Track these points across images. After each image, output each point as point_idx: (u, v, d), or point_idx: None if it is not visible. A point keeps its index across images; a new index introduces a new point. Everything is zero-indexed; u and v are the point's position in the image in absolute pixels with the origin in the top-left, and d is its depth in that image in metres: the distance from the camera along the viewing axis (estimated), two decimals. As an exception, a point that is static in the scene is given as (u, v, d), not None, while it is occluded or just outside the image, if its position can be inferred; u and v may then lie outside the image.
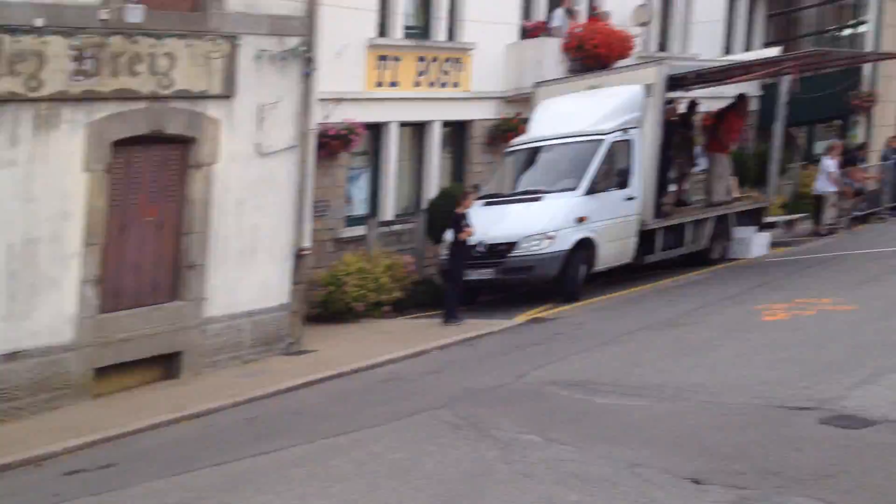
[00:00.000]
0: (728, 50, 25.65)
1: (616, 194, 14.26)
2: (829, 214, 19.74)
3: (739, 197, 18.29)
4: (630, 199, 14.45)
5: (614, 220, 14.16)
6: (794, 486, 5.40)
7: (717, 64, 18.57)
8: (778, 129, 18.02)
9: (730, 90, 18.73)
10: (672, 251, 15.61)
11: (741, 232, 17.06)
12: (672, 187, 17.79)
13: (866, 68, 24.54)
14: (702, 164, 18.82)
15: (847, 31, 28.48)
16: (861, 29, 26.66)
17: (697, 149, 18.59)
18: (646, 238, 14.87)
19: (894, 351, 8.27)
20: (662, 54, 22.14)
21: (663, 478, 5.79)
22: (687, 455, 6.18)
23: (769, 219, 19.03)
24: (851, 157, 20.66)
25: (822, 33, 28.10)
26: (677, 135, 17.49)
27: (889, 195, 21.81)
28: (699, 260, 15.91)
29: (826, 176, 19.43)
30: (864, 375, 7.57)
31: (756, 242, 16.96)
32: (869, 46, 24.95)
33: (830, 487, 5.32)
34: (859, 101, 24.56)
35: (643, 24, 20.83)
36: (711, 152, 17.51)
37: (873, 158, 22.66)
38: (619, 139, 14.40)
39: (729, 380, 7.99)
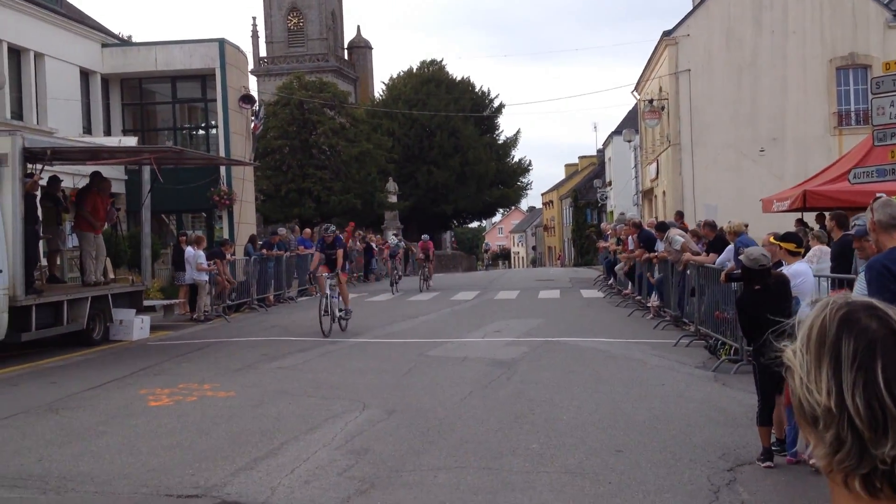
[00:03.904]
0: (89, 130, 26.04)
1: None
2: (203, 302, 20.74)
3: (116, 278, 18.33)
4: None
5: None
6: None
7: (80, 144, 18.62)
8: (145, 214, 18.56)
9: (89, 168, 18.83)
10: (50, 329, 15.00)
11: (121, 314, 17.05)
12: (44, 263, 17.17)
13: (223, 169, 26.68)
14: (73, 241, 18.56)
15: (201, 132, 30.91)
16: (213, 132, 29.09)
17: (68, 225, 18.28)
18: (20, 315, 14.09)
19: (270, 437, 8.93)
20: (18, 123, 21.62)
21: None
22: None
23: (148, 302, 19.33)
24: (218, 251, 22.04)
25: (179, 129, 30.07)
26: (44, 209, 17.04)
27: (257, 287, 23.71)
28: (81, 340, 15.51)
29: (194, 266, 20.44)
30: (245, 461, 8.05)
31: (137, 325, 17.09)
32: (220, 148, 27.26)
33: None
34: (219, 198, 26.50)
35: None
36: (81, 230, 17.33)
37: (239, 253, 24.50)
38: None
39: (116, 468, 7.88)
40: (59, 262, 18.24)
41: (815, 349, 1.38)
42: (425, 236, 32.51)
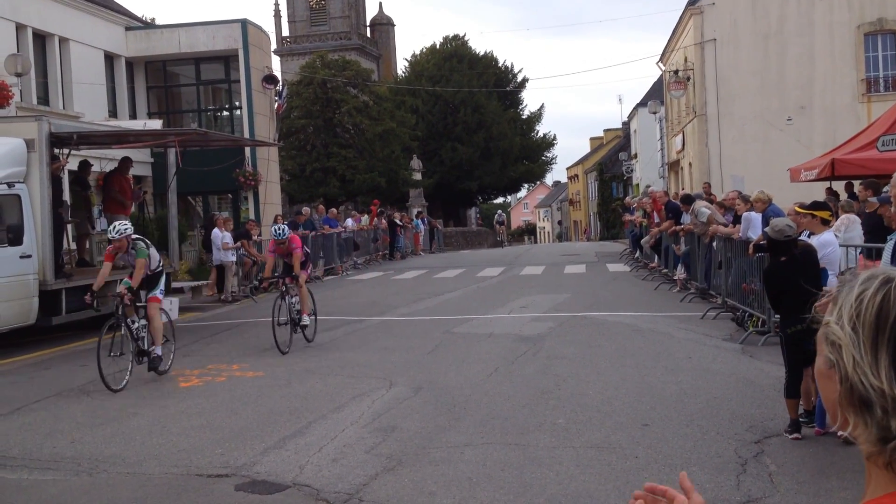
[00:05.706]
0: (114, 113, 26.13)
1: (8, 252, 13.53)
2: (230, 283, 20.87)
3: (143, 261, 18.41)
4: (25, 256, 13.81)
5: (8, 280, 13.38)
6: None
7: (106, 128, 18.68)
8: (172, 197, 18.65)
9: (115, 152, 18.93)
10: (80, 313, 15.13)
11: (151, 296, 17.13)
12: (73, 247, 17.32)
13: (248, 150, 26.70)
14: (102, 224, 18.71)
15: (226, 113, 30.92)
16: (237, 113, 29.08)
17: (96, 209, 18.42)
18: (50, 298, 14.26)
19: (298, 416, 9.00)
20: (44, 108, 21.76)
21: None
22: (108, 530, 6.05)
23: (176, 284, 19.47)
24: (244, 232, 22.11)
25: (203, 111, 30.08)
26: (73, 193, 17.13)
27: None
28: (111, 322, 15.61)
29: (220, 247, 20.56)
30: (274, 441, 8.13)
31: (166, 307, 17.16)
32: (245, 129, 27.27)
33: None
34: (244, 179, 26.55)
35: (19, 75, 20.19)
36: (110, 213, 17.44)
37: (265, 233, 24.54)
38: (4, 193, 13.73)
39: (147, 449, 7.99)
40: (87, 246, 18.42)
41: (871, 331, 1.30)
42: (277, 228, 13.83)
